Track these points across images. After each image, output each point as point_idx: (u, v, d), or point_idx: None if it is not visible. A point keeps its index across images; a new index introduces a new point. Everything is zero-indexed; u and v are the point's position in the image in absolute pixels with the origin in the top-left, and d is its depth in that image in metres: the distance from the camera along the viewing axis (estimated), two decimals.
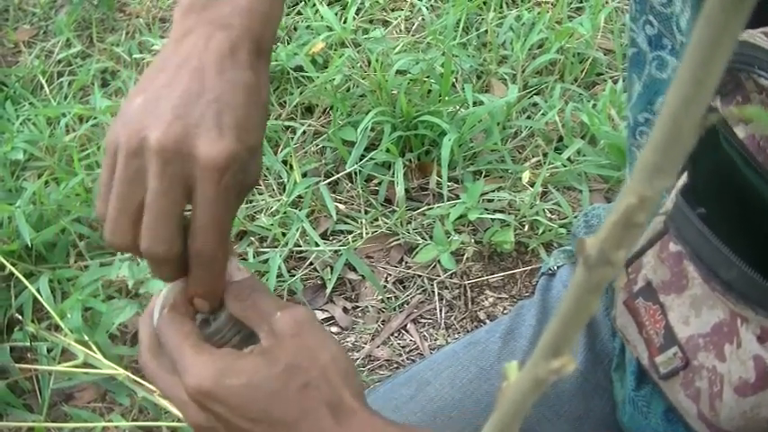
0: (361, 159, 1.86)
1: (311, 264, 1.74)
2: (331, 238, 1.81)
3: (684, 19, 0.65)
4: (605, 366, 0.89)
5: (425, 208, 1.82)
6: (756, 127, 0.54)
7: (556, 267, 0.97)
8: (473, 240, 1.76)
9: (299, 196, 1.82)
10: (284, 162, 1.91)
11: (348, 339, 1.66)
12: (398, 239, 1.78)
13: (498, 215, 1.75)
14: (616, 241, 0.24)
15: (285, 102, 2.05)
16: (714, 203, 0.58)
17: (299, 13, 2.29)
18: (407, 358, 1.64)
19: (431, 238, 1.75)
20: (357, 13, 2.25)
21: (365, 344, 1.65)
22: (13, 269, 1.60)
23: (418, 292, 1.73)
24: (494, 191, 1.82)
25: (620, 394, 0.84)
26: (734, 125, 0.54)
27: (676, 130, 0.22)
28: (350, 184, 1.88)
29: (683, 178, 0.61)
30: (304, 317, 0.59)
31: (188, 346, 0.58)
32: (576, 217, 1.70)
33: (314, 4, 2.27)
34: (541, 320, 0.92)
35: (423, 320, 1.70)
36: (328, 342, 0.59)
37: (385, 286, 1.74)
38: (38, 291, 1.60)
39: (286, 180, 1.86)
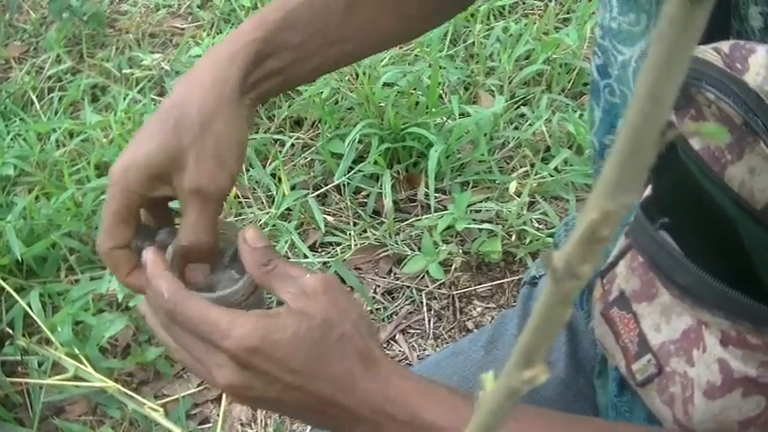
0: (349, 171, 1.88)
1: None
2: (320, 249, 1.82)
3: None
4: (587, 374, 0.90)
5: (413, 219, 1.84)
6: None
7: (538, 276, 0.99)
8: (461, 251, 1.77)
9: (288, 209, 1.83)
10: (273, 175, 1.92)
11: None
12: (387, 250, 1.80)
13: (486, 225, 1.77)
14: (581, 255, 0.25)
15: (274, 115, 2.07)
16: (678, 214, 0.60)
17: None
18: None
19: (419, 248, 1.77)
20: None
21: None
22: (3, 284, 1.61)
23: (407, 302, 1.74)
24: (481, 201, 1.83)
25: (603, 401, 0.85)
26: (689, 137, 0.56)
27: (636, 146, 0.23)
28: (338, 197, 1.89)
29: (648, 190, 0.62)
30: (332, 279, 0.63)
31: (217, 312, 0.60)
32: None
33: None
34: (523, 329, 0.92)
35: (411, 331, 1.71)
36: (353, 300, 0.64)
37: (374, 297, 1.75)
38: (28, 305, 1.61)
39: (275, 193, 1.87)
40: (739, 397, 0.59)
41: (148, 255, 0.65)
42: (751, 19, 0.57)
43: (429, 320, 1.72)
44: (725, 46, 0.54)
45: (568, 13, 2.33)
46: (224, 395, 1.56)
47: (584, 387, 0.91)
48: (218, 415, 1.57)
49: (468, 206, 1.79)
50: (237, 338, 0.59)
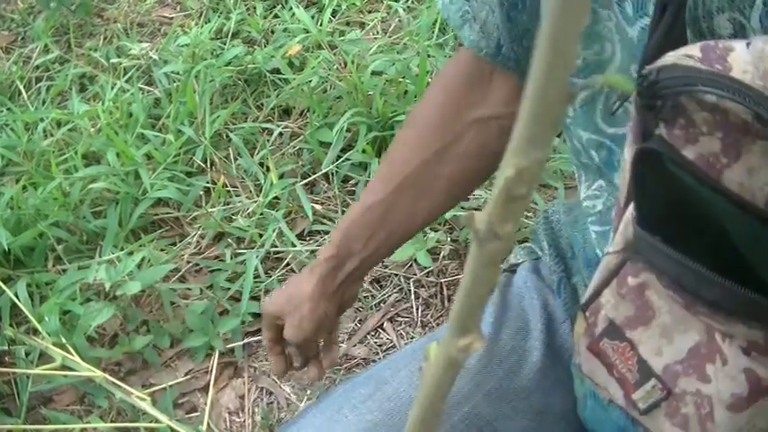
0: (337, 160, 1.87)
1: (288, 264, 1.75)
2: (308, 238, 1.82)
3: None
4: (565, 362, 0.89)
5: None
6: (704, 146, 0.54)
7: (517, 263, 0.98)
8: (449, 239, 1.77)
9: (276, 197, 1.83)
10: (261, 164, 1.92)
11: None
12: None
13: None
14: (501, 215, 0.25)
15: (262, 104, 2.06)
16: (670, 230, 0.58)
17: (275, 16, 2.31)
18: (384, 357, 1.65)
19: None
20: (333, 16, 2.26)
21: (342, 343, 1.66)
22: None
23: (395, 290, 1.74)
24: None
25: (581, 389, 0.84)
26: (681, 148, 0.54)
27: (544, 100, 0.23)
28: (326, 185, 1.89)
29: (630, 210, 0.61)
30: None
31: None
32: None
33: (290, 8, 2.28)
34: (499, 317, 0.91)
35: (399, 319, 1.71)
36: None
37: (362, 285, 1.75)
38: (16, 295, 1.61)
39: (263, 181, 1.87)
40: (767, 403, 0.57)
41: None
42: (719, 29, 0.56)
43: (417, 308, 1.72)
44: (694, 49, 0.52)
45: None
46: (211, 384, 1.56)
47: (562, 375, 0.89)
48: (205, 404, 1.57)
49: None
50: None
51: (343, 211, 1.84)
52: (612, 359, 0.66)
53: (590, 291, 0.66)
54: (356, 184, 1.87)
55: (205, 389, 1.61)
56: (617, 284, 0.64)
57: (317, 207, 1.85)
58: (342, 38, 2.18)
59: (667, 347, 0.61)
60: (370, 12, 2.31)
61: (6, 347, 1.59)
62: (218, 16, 2.30)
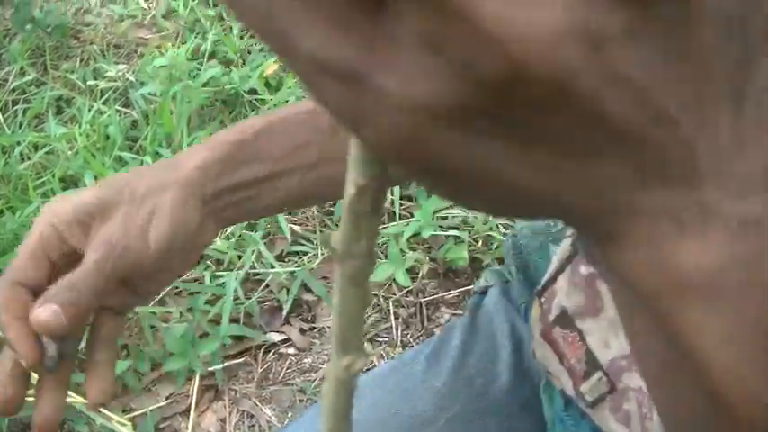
0: None
1: (267, 286, 1.75)
2: (287, 259, 1.82)
3: None
4: (534, 385, 0.90)
5: (380, 227, 1.83)
6: None
7: (488, 285, 0.98)
8: (428, 258, 1.78)
9: None
10: None
11: (305, 360, 1.67)
12: None
13: (452, 232, 1.77)
14: (353, 234, 0.26)
15: None
16: None
17: (251, 35, 2.31)
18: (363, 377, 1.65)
19: (386, 256, 1.77)
20: None
21: (323, 364, 1.66)
22: None
23: (374, 310, 1.75)
24: (447, 208, 1.84)
25: (550, 413, 0.84)
26: None
27: None
28: None
29: None
30: None
31: None
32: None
33: None
34: (467, 340, 0.91)
35: (379, 339, 1.72)
36: None
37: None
38: None
39: None
40: None
41: None
42: None
43: (396, 328, 1.72)
44: None
45: None
46: (192, 408, 1.55)
47: (531, 398, 0.90)
48: (186, 428, 1.57)
49: (435, 213, 1.79)
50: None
51: (321, 232, 1.84)
52: (563, 348, 0.67)
53: (547, 276, 0.66)
54: (335, 204, 1.87)
55: (186, 412, 1.60)
56: (570, 272, 0.64)
57: (296, 228, 1.85)
58: None
59: (614, 341, 0.62)
60: None
61: None
62: (195, 37, 2.30)
